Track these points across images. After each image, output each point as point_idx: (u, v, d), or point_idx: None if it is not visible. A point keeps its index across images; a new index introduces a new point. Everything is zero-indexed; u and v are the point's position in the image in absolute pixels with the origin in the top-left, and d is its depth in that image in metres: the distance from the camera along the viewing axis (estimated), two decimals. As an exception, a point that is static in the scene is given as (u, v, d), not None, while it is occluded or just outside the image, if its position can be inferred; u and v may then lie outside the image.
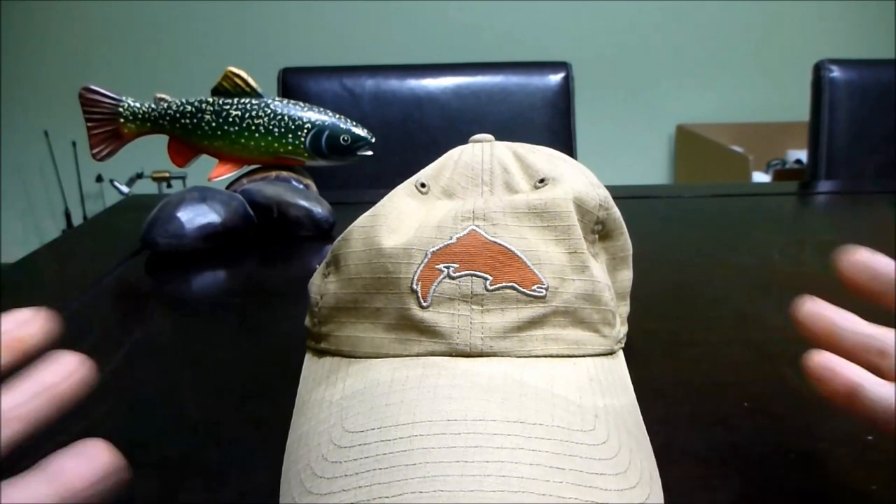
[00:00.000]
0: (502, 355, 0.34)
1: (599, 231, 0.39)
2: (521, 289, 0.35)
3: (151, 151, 1.02)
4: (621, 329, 0.40)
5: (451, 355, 0.34)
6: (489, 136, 0.43)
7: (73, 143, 2.43)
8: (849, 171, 1.27)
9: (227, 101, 0.80)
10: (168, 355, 0.50)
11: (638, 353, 0.41)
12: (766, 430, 0.39)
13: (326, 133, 0.81)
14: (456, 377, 0.32)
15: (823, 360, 0.28)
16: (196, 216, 0.70)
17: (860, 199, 0.96)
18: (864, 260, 0.29)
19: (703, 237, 0.78)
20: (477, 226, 0.36)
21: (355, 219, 0.39)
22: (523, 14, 2.46)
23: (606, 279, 0.39)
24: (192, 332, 0.55)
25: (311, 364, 0.38)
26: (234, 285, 0.66)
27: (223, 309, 0.59)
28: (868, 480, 0.34)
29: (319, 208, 0.76)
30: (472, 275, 0.35)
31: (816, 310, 0.30)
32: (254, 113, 0.80)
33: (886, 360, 0.27)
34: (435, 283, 0.35)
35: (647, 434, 0.33)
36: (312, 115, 0.81)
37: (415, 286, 0.35)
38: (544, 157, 0.41)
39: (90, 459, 0.23)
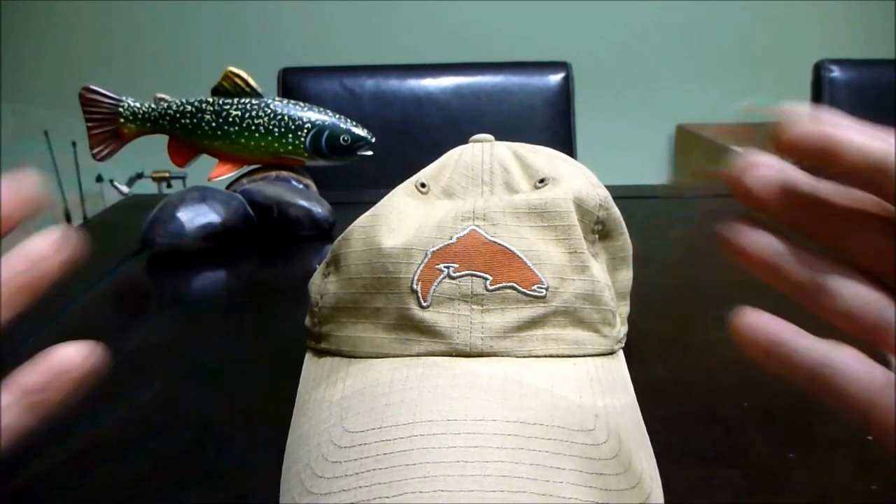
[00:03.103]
0: (502, 355, 0.34)
1: (599, 231, 0.39)
2: (521, 289, 0.35)
3: (151, 151, 1.02)
4: (621, 329, 0.40)
5: (451, 355, 0.34)
6: (489, 136, 0.43)
7: (73, 143, 2.43)
8: (849, 171, 1.27)
9: (227, 101, 0.80)
10: (168, 355, 0.50)
11: (638, 353, 0.41)
12: (766, 430, 0.39)
13: (326, 133, 0.81)
14: (456, 377, 0.32)
15: (749, 318, 0.22)
16: (196, 216, 0.70)
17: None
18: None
19: (703, 237, 0.78)
20: (477, 226, 0.36)
21: (355, 219, 0.39)
22: (523, 14, 2.46)
23: (606, 279, 0.39)
24: (192, 331, 0.55)
25: (311, 364, 0.38)
26: (234, 285, 0.66)
27: (223, 309, 0.59)
28: (868, 480, 0.34)
29: (319, 208, 0.76)
30: (472, 275, 0.35)
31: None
32: (254, 113, 0.80)
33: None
34: (435, 283, 0.35)
35: (647, 434, 0.33)
36: (312, 115, 0.81)
37: (415, 286, 0.35)
38: (544, 157, 0.41)
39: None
